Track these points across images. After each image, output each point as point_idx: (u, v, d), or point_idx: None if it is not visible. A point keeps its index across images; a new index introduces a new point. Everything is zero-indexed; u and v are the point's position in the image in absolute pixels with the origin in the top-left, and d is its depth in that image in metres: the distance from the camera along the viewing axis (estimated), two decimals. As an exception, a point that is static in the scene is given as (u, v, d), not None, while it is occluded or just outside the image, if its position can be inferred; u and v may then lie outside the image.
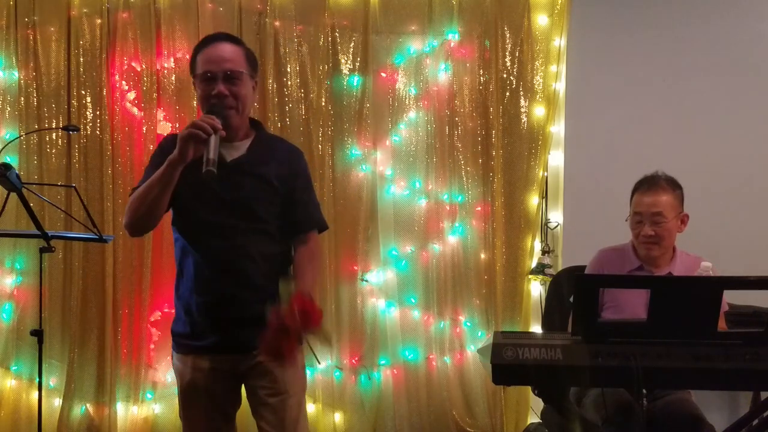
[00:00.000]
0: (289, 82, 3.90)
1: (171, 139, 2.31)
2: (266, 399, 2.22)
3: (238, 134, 2.24)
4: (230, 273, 2.17)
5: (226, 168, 2.13)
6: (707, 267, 2.68)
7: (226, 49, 2.19)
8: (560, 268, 3.99)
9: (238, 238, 2.17)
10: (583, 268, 2.97)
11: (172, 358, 2.34)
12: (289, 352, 2.00)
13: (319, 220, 2.37)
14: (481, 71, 4.05)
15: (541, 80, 4.07)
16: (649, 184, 2.78)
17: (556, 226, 4.15)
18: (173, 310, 3.79)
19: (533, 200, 4.07)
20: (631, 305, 2.66)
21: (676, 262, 2.78)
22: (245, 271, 2.18)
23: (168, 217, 3.89)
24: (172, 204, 2.18)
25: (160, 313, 3.86)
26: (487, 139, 4.05)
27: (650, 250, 2.73)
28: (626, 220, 2.82)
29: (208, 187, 2.11)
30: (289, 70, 3.90)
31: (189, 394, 2.26)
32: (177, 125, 3.86)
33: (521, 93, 4.07)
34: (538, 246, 4.13)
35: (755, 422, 2.27)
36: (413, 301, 4.03)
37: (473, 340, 4.03)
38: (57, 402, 3.79)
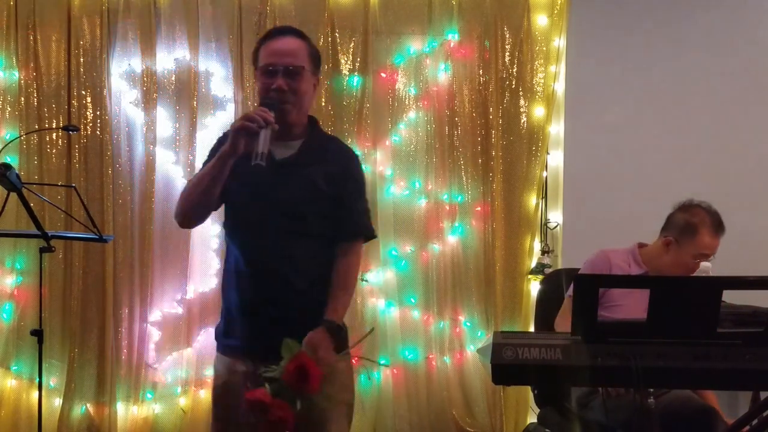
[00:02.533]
0: (289, 82, 3.90)
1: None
2: (302, 411, 2.05)
3: (292, 132, 2.17)
4: (268, 273, 2.11)
5: (274, 166, 2.09)
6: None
7: (290, 43, 2.15)
8: (560, 268, 3.99)
9: (279, 238, 2.11)
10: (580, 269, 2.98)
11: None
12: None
13: (363, 227, 2.25)
14: (481, 71, 4.06)
15: (540, 80, 4.07)
16: (717, 225, 2.78)
17: (556, 226, 4.15)
18: (176, 311, 3.84)
19: (533, 200, 4.07)
20: (637, 309, 2.66)
21: None
22: (283, 273, 2.10)
23: (160, 214, 3.92)
24: (223, 199, 2.15)
25: (160, 313, 3.86)
26: (487, 139, 4.05)
27: None
28: (668, 244, 2.81)
29: (255, 185, 2.08)
30: (289, 70, 3.90)
31: (218, 396, 2.20)
32: (177, 125, 3.86)
33: (521, 93, 4.07)
34: (537, 246, 4.13)
35: (755, 422, 2.27)
36: (413, 301, 4.03)
37: (473, 340, 4.03)
38: (57, 402, 3.79)
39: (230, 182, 2.09)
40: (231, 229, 2.20)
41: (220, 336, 2.24)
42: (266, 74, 2.12)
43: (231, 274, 2.18)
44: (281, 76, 2.10)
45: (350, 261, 2.21)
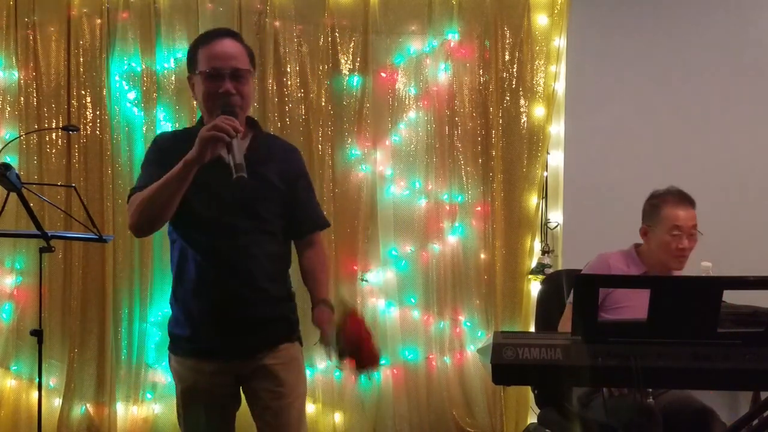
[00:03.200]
0: (289, 82, 3.90)
1: (166, 136, 2.29)
2: (269, 402, 2.20)
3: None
4: (235, 274, 2.13)
5: (227, 168, 2.08)
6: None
7: (231, 46, 2.14)
8: (560, 268, 3.99)
9: (242, 238, 2.14)
10: (580, 270, 2.98)
11: (169, 361, 2.29)
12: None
13: (322, 219, 2.38)
14: (481, 71, 4.06)
15: (540, 80, 4.07)
16: (680, 196, 2.81)
17: (556, 226, 4.15)
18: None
19: (533, 200, 4.07)
20: (642, 310, 2.66)
21: None
22: (250, 272, 2.14)
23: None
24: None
25: (160, 313, 3.86)
26: (487, 139, 4.05)
27: (683, 262, 2.77)
28: (645, 234, 2.83)
29: (210, 188, 2.08)
30: (289, 70, 3.90)
31: (190, 397, 2.22)
32: (177, 125, 3.86)
33: (521, 93, 4.07)
34: (537, 246, 4.13)
35: (755, 422, 2.27)
36: (413, 301, 4.03)
37: (473, 340, 4.03)
38: (57, 402, 3.79)
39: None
40: (191, 234, 2.16)
41: (180, 341, 2.22)
42: (211, 78, 2.10)
43: (191, 279, 2.16)
44: (228, 80, 2.10)
45: (320, 248, 2.36)
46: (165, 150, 2.13)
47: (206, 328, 2.16)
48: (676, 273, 2.81)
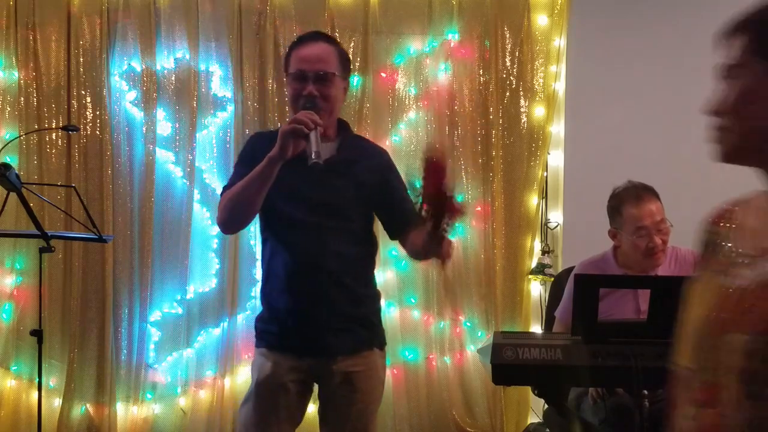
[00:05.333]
0: (289, 82, 3.90)
1: (260, 136, 2.35)
2: (343, 408, 2.22)
3: (325, 135, 2.19)
4: (321, 272, 2.16)
5: (317, 168, 2.09)
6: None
7: (320, 49, 2.19)
8: (560, 268, 3.98)
9: (327, 237, 2.17)
10: None
11: (253, 361, 2.29)
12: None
13: (416, 217, 2.35)
14: (481, 71, 4.05)
15: (541, 80, 4.07)
16: (637, 192, 2.68)
17: (556, 226, 4.15)
18: (176, 311, 3.83)
19: (533, 200, 4.07)
20: (620, 316, 2.63)
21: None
22: (336, 270, 2.18)
23: (160, 214, 3.92)
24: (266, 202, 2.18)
25: (160, 313, 3.86)
26: (487, 139, 4.05)
27: (659, 258, 2.65)
28: (614, 236, 2.75)
29: (298, 187, 2.13)
30: (289, 70, 3.90)
31: (264, 387, 2.21)
32: (177, 125, 3.86)
33: (521, 93, 4.06)
34: (538, 246, 4.13)
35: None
36: (413, 301, 4.02)
37: (473, 340, 4.03)
38: (57, 402, 3.79)
39: (274, 185, 2.11)
40: (278, 232, 2.22)
41: (266, 334, 2.25)
42: (297, 80, 2.16)
43: (278, 277, 2.21)
44: (312, 83, 2.14)
45: None
46: (256, 149, 2.16)
47: (291, 325, 2.19)
48: (659, 269, 2.70)
